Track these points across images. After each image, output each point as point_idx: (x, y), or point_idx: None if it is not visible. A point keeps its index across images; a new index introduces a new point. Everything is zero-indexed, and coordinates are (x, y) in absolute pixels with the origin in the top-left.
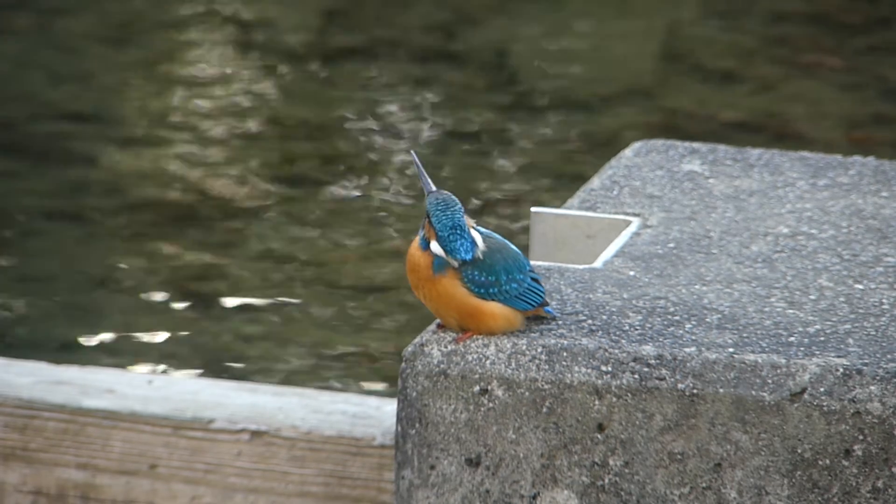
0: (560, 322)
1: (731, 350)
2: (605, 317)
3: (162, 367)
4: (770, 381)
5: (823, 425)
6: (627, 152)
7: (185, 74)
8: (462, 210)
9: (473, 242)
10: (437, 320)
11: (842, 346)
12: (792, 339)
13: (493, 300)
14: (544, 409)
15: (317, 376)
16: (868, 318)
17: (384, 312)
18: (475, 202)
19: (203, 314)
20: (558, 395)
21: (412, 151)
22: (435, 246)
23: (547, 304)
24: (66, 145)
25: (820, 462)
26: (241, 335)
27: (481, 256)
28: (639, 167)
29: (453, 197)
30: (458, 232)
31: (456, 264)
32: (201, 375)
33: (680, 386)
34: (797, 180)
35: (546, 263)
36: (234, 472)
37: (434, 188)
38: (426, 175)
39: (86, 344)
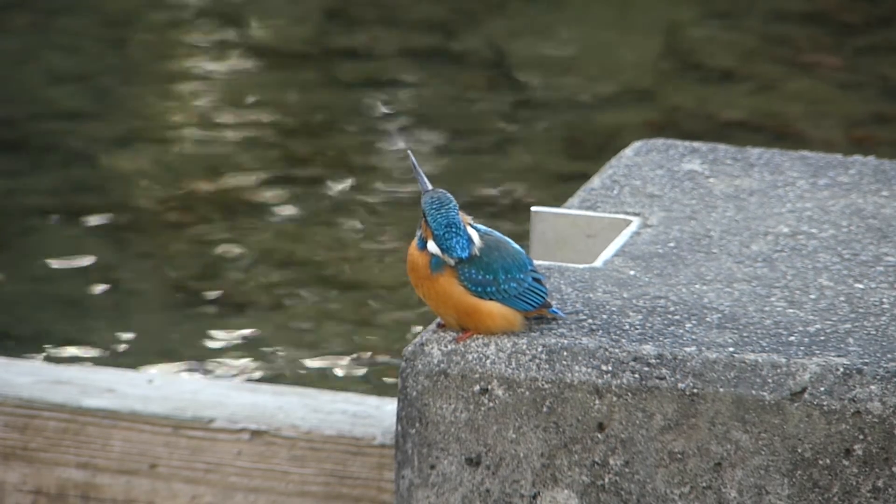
0: (560, 321)
1: (731, 349)
2: (605, 316)
3: (162, 366)
4: (770, 380)
5: (824, 425)
6: (627, 152)
7: (184, 73)
8: (457, 208)
9: (470, 240)
10: (438, 319)
11: (842, 346)
12: (792, 338)
13: (491, 299)
14: (544, 409)
15: (317, 376)
16: (868, 317)
17: (384, 312)
18: (474, 202)
19: (203, 314)
20: (558, 395)
21: (408, 151)
22: (431, 245)
23: (550, 305)
24: (66, 145)
25: (820, 461)
26: (240, 335)
27: (479, 254)
28: (639, 167)
29: (448, 195)
30: (454, 230)
31: (452, 262)
32: (201, 375)
33: (680, 385)
34: (797, 180)
35: (546, 263)
36: (234, 472)
37: (430, 187)
38: (423, 174)
39: (86, 344)
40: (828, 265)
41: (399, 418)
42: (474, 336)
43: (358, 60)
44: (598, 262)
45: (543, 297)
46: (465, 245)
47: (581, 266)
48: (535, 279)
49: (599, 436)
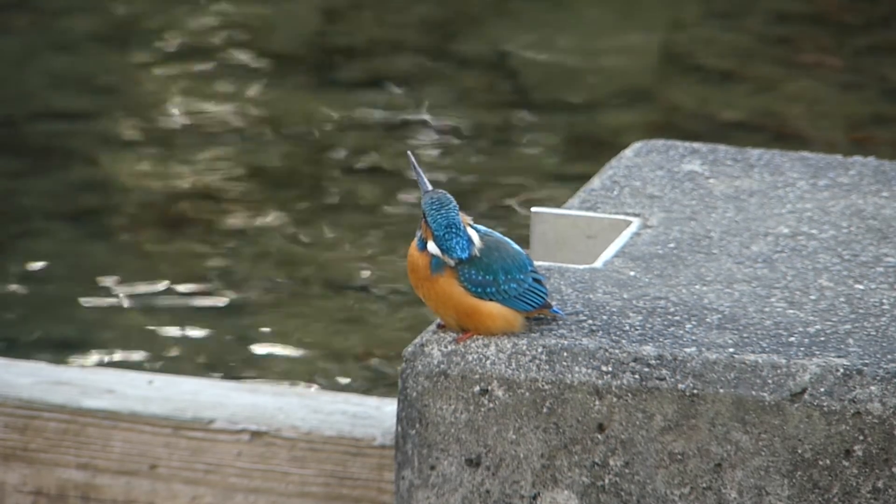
0: (560, 322)
1: (731, 350)
2: (605, 317)
3: (162, 367)
4: (770, 381)
5: (824, 425)
6: (627, 152)
7: (184, 74)
8: (457, 208)
9: (470, 241)
10: (438, 320)
11: (842, 347)
12: (792, 339)
13: (491, 300)
14: (544, 410)
15: (317, 376)
16: (868, 318)
17: (384, 312)
18: (475, 203)
19: (203, 314)
20: (558, 396)
21: (408, 152)
22: (432, 246)
23: (550, 305)
24: (66, 145)
25: (820, 462)
26: (241, 335)
27: (479, 255)
28: (639, 167)
29: (448, 196)
30: (454, 230)
31: (452, 263)
32: (201, 375)
33: (680, 386)
34: (797, 180)
35: (546, 263)
36: (234, 473)
37: (430, 188)
38: (423, 175)
39: (86, 344)
40: (828, 266)
41: (399, 419)
42: (474, 337)
43: (358, 60)
44: (598, 263)
45: (544, 298)
46: (465, 246)
47: (581, 267)
48: (535, 280)
49: (599, 436)
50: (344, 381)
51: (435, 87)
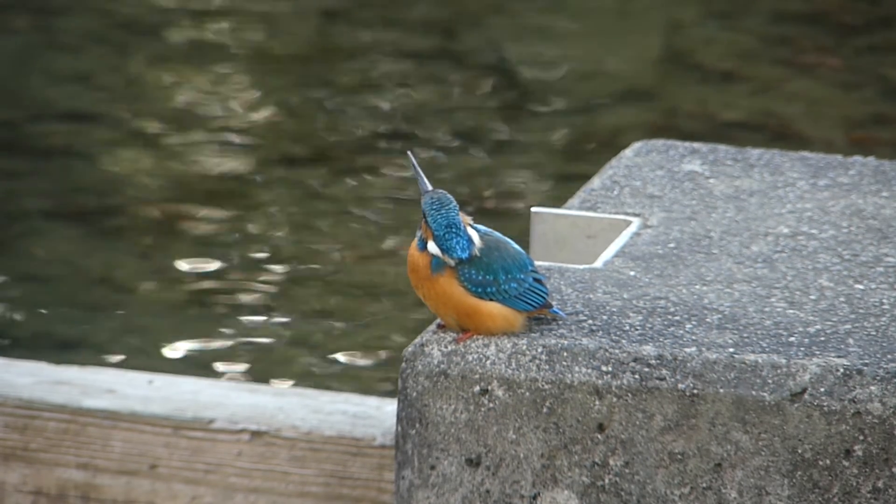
0: (560, 322)
1: (731, 350)
2: (605, 317)
3: (162, 367)
4: (770, 381)
5: (824, 425)
6: (627, 152)
7: (184, 74)
8: (457, 208)
9: (470, 240)
10: (438, 320)
11: (842, 346)
12: (792, 339)
13: (491, 300)
14: (544, 410)
15: (317, 376)
16: (868, 318)
17: (385, 312)
18: (475, 202)
19: (203, 314)
20: (559, 395)
21: (409, 152)
22: (432, 245)
23: (551, 305)
24: (66, 145)
25: (820, 462)
26: (241, 335)
27: (479, 255)
28: (639, 167)
29: (448, 196)
30: (454, 230)
31: (452, 263)
32: (201, 375)
33: (680, 386)
34: (797, 180)
35: (546, 263)
36: (234, 473)
37: (430, 188)
38: (423, 175)
39: (86, 344)
40: (828, 266)
41: (399, 419)
42: (474, 337)
43: (358, 61)
44: (598, 263)
45: (544, 298)
46: (466, 245)
47: (581, 267)
48: (535, 279)
49: (599, 436)
50: (344, 381)
51: (434, 87)
